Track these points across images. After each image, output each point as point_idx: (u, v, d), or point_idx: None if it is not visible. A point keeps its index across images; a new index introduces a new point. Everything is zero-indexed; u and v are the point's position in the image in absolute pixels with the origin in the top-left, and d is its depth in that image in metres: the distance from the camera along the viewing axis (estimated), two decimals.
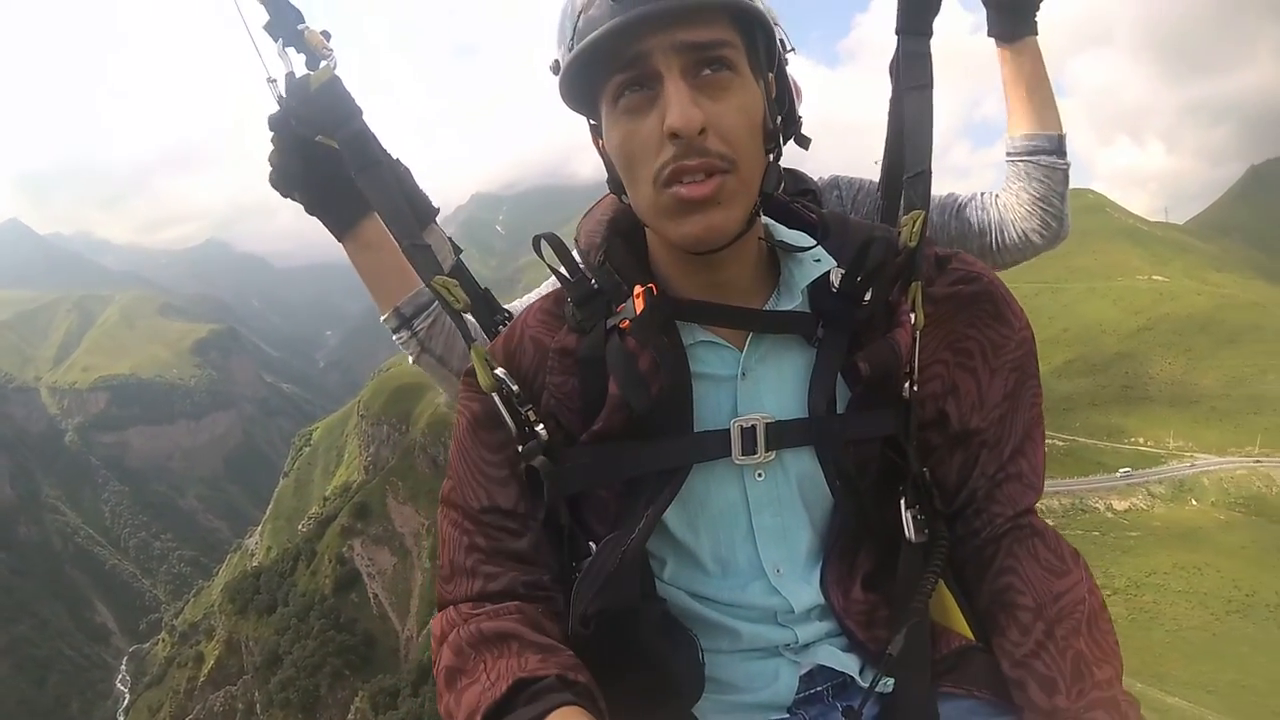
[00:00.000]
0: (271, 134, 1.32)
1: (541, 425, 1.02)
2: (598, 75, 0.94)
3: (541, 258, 1.15)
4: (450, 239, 1.27)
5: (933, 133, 1.13)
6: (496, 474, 1.06)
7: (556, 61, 1.00)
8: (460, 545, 1.05)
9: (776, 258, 1.10)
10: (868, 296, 1.04)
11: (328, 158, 1.29)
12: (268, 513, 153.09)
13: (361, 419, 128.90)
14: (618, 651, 0.99)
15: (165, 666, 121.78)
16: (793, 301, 1.06)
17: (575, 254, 1.15)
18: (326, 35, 1.24)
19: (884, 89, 1.20)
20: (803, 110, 1.51)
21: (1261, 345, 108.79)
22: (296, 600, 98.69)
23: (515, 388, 1.03)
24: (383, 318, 1.49)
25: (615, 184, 1.04)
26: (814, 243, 1.09)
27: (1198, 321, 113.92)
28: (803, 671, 1.06)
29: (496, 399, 1.03)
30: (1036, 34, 1.49)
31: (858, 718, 0.96)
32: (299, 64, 1.26)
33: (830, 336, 1.04)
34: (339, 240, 1.44)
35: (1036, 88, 1.52)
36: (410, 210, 1.22)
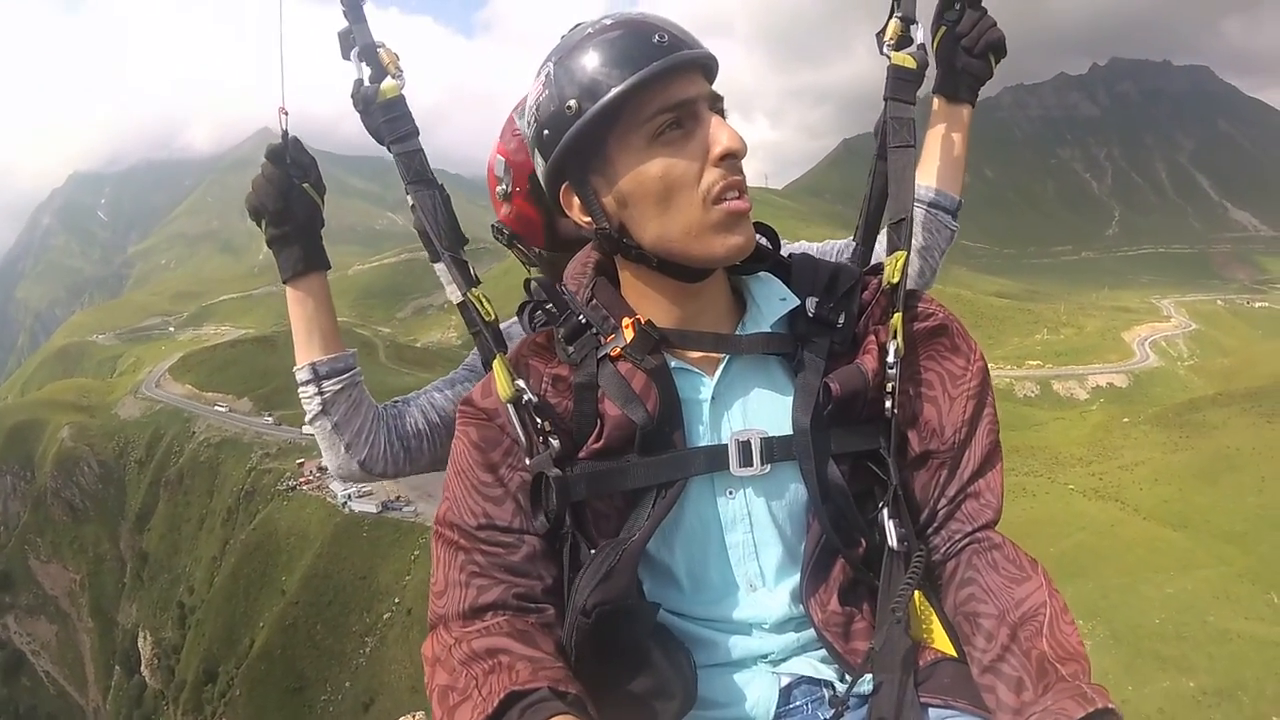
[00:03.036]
0: (264, 162, 1.42)
1: (555, 437, 1.07)
2: (635, 116, 1.02)
3: (530, 297, 1.27)
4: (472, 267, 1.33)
5: (913, 184, 1.28)
6: (492, 492, 1.10)
7: (570, 106, 1.04)
8: (454, 562, 1.08)
9: (739, 291, 1.20)
10: (840, 322, 1.13)
11: (305, 204, 1.42)
12: None
13: None
14: (615, 653, 1.03)
15: None
16: (759, 328, 1.14)
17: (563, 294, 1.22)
18: (397, 56, 1.32)
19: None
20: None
21: None
22: None
23: (534, 398, 1.08)
24: (296, 368, 1.52)
25: (617, 226, 1.09)
26: (772, 276, 1.19)
27: None
28: (782, 685, 1.09)
29: (513, 409, 1.08)
30: (974, 105, 1.61)
31: (843, 705, 1.00)
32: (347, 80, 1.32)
33: (808, 359, 1.12)
34: (285, 283, 1.50)
35: (955, 151, 1.63)
36: (451, 228, 1.30)
